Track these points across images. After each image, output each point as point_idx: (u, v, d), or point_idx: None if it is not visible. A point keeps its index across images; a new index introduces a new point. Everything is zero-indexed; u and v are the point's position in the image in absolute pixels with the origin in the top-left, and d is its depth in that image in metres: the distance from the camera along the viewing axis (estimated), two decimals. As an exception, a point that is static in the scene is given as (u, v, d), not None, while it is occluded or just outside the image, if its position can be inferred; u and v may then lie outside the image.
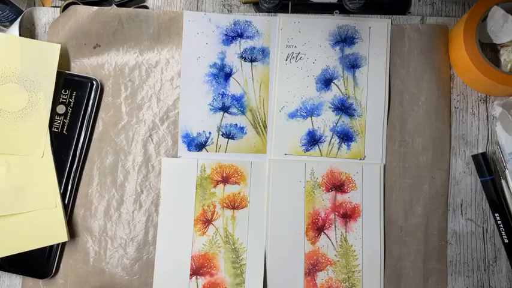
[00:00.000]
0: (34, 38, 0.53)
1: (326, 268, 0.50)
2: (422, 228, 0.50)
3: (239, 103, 0.52)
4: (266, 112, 0.52)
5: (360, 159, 0.51)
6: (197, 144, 0.51)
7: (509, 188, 0.49)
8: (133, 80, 0.52)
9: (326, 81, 0.52)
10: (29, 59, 0.49)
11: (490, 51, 0.51)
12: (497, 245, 0.50)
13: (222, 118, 0.52)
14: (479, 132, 0.51)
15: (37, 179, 0.49)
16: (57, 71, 0.50)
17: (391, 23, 0.52)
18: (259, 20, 0.53)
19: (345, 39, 0.52)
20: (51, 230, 0.48)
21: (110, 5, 0.54)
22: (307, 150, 0.51)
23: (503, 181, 0.49)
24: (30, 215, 0.48)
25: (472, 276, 0.50)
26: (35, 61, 0.49)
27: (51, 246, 0.49)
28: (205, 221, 0.50)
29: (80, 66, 0.52)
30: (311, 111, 0.52)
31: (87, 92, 0.51)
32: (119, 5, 0.53)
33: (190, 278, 0.50)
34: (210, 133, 0.51)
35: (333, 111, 0.52)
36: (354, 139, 0.51)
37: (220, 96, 0.52)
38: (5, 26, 0.55)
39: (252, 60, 0.52)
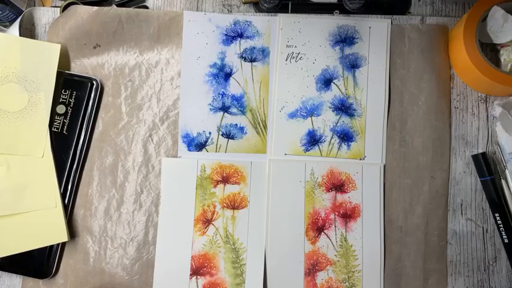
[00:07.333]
0: (34, 38, 0.53)
1: (326, 268, 0.50)
2: (422, 228, 0.50)
3: (239, 103, 0.52)
4: (266, 112, 0.52)
5: (360, 159, 0.51)
6: (197, 144, 0.51)
7: (509, 188, 0.49)
8: (133, 80, 0.52)
9: (326, 81, 0.52)
10: (29, 59, 0.49)
11: (490, 51, 0.52)
12: (497, 245, 0.50)
13: (222, 118, 0.52)
14: (479, 132, 0.51)
15: (37, 179, 0.49)
16: (57, 71, 0.50)
17: (391, 23, 0.52)
18: (259, 20, 0.53)
19: (345, 39, 0.52)
20: (51, 230, 0.48)
21: (110, 5, 0.54)
22: (307, 150, 0.51)
23: (503, 181, 0.49)
24: (30, 215, 0.48)
25: (472, 276, 0.50)
26: (35, 61, 0.49)
27: (51, 246, 0.49)
28: (205, 221, 0.50)
29: (80, 66, 0.52)
30: (311, 111, 0.52)
31: (87, 92, 0.51)
32: (118, 5, 0.53)
33: (190, 278, 0.50)
34: (210, 133, 0.51)
35: (333, 111, 0.52)
36: (354, 139, 0.51)
37: (220, 96, 0.52)
38: (5, 26, 0.55)
39: (252, 60, 0.52)
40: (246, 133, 0.52)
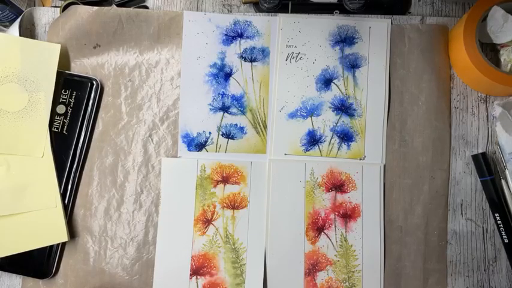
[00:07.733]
0: (34, 38, 0.53)
1: (326, 268, 0.50)
2: (422, 228, 0.50)
3: (239, 103, 0.52)
4: (266, 112, 0.52)
5: (360, 159, 0.51)
6: (197, 144, 0.51)
7: (509, 188, 0.49)
8: (134, 80, 0.52)
9: (326, 81, 0.52)
10: (29, 59, 0.49)
11: (490, 51, 0.52)
12: (497, 245, 0.50)
13: (222, 118, 0.52)
14: (479, 132, 0.51)
15: (37, 179, 0.49)
16: (57, 71, 0.50)
17: (391, 23, 0.52)
18: (259, 20, 0.53)
19: (345, 39, 0.52)
20: (51, 230, 0.48)
21: (110, 5, 0.54)
22: (307, 150, 0.51)
23: (503, 181, 0.49)
24: (30, 215, 0.48)
25: (472, 276, 0.50)
26: (35, 61, 0.49)
27: (51, 246, 0.49)
28: (205, 221, 0.50)
29: (80, 66, 0.52)
30: (311, 111, 0.52)
31: (87, 92, 0.51)
32: (118, 5, 0.53)
33: (190, 278, 0.50)
34: (210, 133, 0.51)
35: (333, 111, 0.52)
36: (354, 139, 0.51)
37: (220, 96, 0.52)
38: (5, 26, 0.55)
39: (252, 60, 0.52)
40: (246, 133, 0.52)
